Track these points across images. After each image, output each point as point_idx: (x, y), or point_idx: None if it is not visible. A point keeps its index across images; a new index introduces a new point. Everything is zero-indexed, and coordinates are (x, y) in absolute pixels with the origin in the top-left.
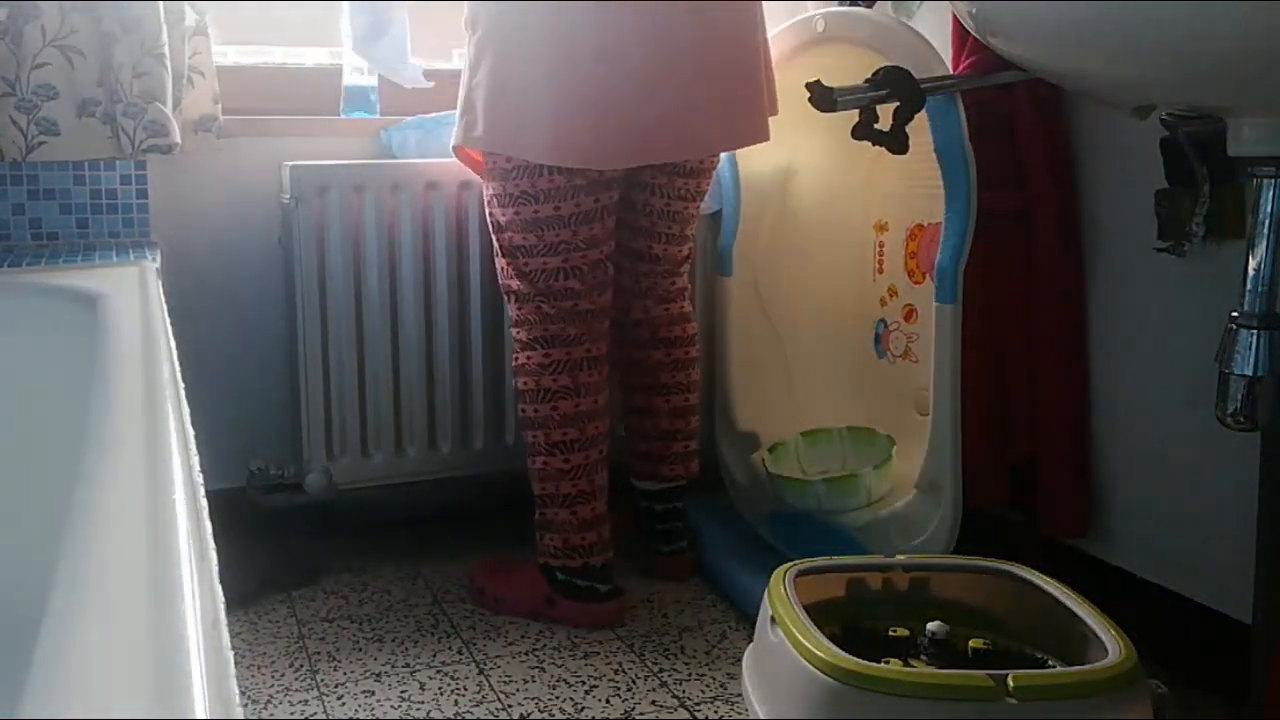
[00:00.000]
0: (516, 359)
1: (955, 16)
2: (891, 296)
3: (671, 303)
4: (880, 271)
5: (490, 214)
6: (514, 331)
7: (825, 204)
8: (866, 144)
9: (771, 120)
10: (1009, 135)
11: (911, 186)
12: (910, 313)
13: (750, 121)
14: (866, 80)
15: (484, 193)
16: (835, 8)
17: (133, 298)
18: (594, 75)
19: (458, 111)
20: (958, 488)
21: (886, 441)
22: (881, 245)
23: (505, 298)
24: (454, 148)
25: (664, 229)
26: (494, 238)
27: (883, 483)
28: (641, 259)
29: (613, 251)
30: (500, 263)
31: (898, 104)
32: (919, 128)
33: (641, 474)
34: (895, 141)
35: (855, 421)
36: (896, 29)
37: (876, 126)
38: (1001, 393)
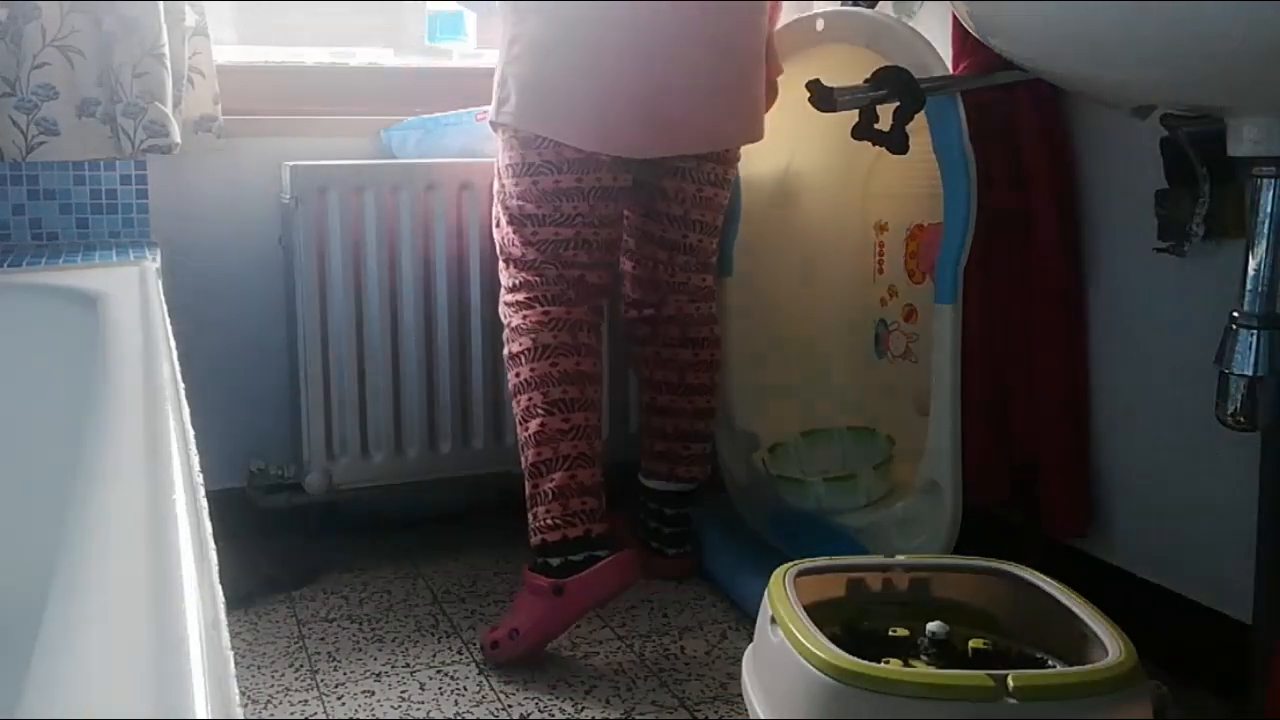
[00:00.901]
0: (510, 322)
1: (955, 16)
2: (891, 297)
3: (702, 301)
4: (880, 272)
5: (501, 183)
6: (508, 298)
7: (825, 204)
8: (867, 144)
9: (771, 120)
10: (1009, 135)
11: (912, 187)
12: (910, 313)
13: (754, 120)
14: (866, 80)
15: (500, 162)
16: (836, 7)
17: (133, 298)
18: (634, 64)
19: (495, 85)
20: (958, 488)
21: (886, 442)
22: (881, 245)
23: (503, 265)
24: (490, 121)
25: (698, 216)
26: (499, 207)
27: (882, 483)
28: (677, 250)
29: (620, 241)
30: (503, 232)
31: (898, 104)
32: (919, 128)
33: (654, 473)
34: (895, 141)
35: (855, 422)
36: (897, 29)
37: (876, 127)
38: (1001, 393)
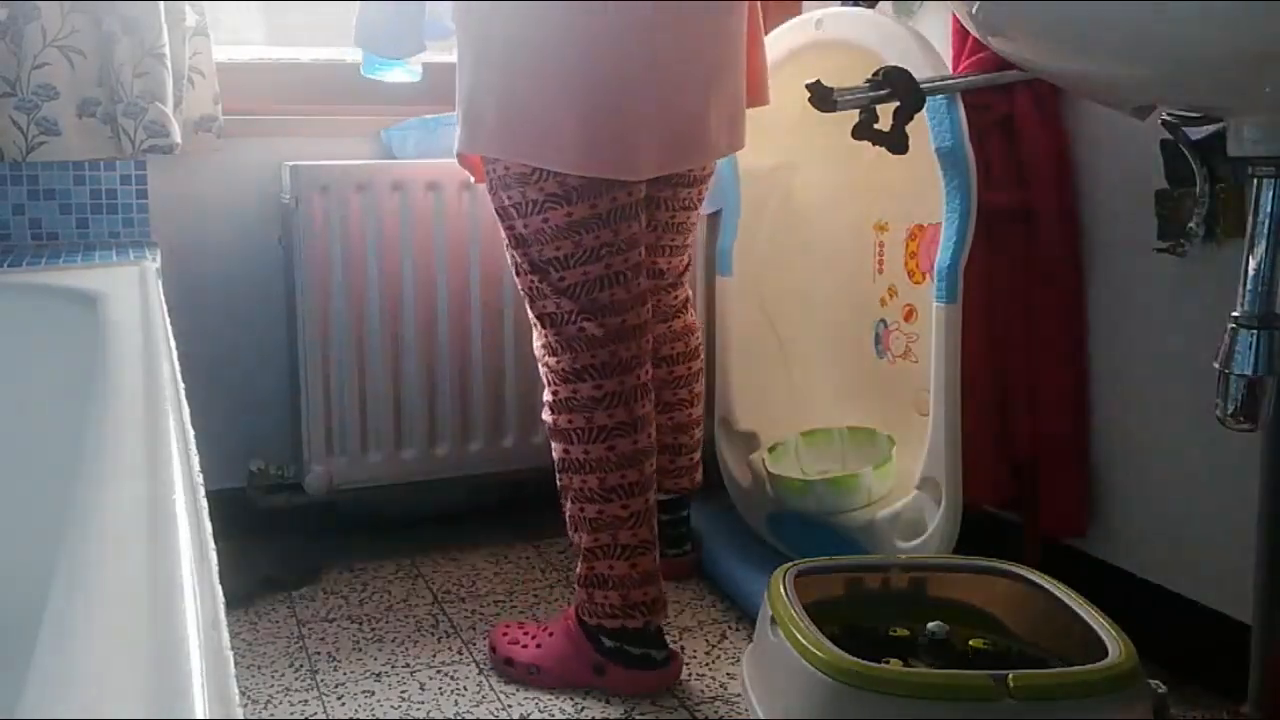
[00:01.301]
0: (555, 393)
1: (955, 16)
2: (891, 297)
3: (674, 319)
4: (880, 271)
5: (510, 227)
6: (550, 361)
7: (825, 203)
8: (866, 143)
9: (772, 119)
10: (1009, 135)
11: (912, 186)
12: (910, 313)
13: (739, 126)
14: (867, 80)
15: (497, 203)
16: (836, 8)
17: (133, 298)
18: (623, 79)
19: (459, 114)
20: (957, 487)
21: (886, 441)
22: (881, 245)
23: (538, 324)
24: (458, 154)
25: (668, 241)
26: (515, 255)
27: (883, 483)
28: (647, 275)
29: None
30: (527, 281)
31: (898, 104)
32: (919, 128)
33: None
34: (895, 142)
35: (855, 421)
36: (896, 29)
37: (876, 127)
38: (1002, 392)
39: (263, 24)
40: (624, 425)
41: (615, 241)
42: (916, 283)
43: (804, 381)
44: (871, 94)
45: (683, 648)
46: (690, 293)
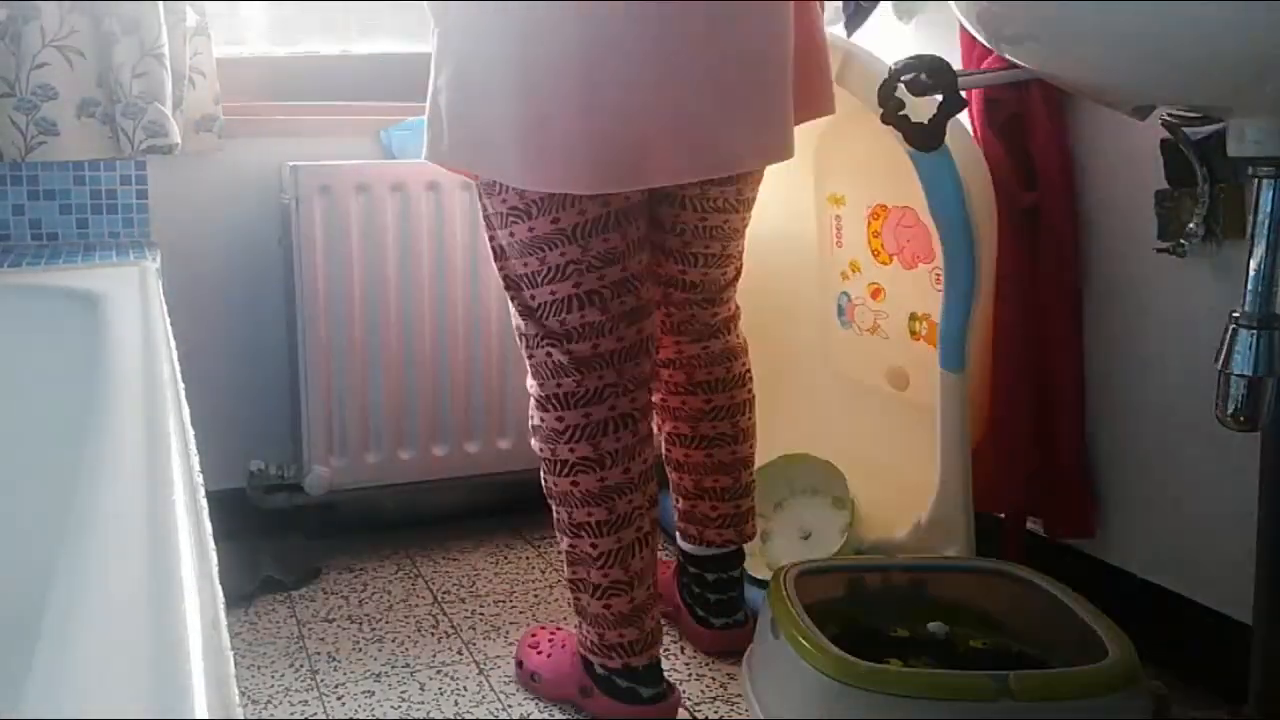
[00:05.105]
0: (531, 418)
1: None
2: (854, 271)
3: (711, 339)
4: (839, 245)
5: (491, 238)
6: (529, 381)
7: (771, 172)
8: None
9: None
10: (1019, 133)
11: (868, 162)
12: (877, 292)
13: (774, 133)
14: (900, 62)
15: (481, 213)
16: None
17: (133, 298)
18: (575, 79)
19: (425, 119)
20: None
21: (837, 475)
22: (839, 219)
23: (517, 338)
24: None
25: (700, 249)
26: (496, 268)
27: (844, 533)
28: (674, 287)
29: (643, 270)
30: (509, 299)
31: (940, 99)
32: (888, 131)
33: (685, 534)
34: (926, 137)
35: (822, 391)
36: (856, 53)
37: (903, 114)
38: (1002, 393)
39: (264, 21)
40: (587, 461)
41: (584, 259)
42: (883, 263)
43: (767, 352)
44: (903, 76)
45: (683, 648)
46: (733, 311)
